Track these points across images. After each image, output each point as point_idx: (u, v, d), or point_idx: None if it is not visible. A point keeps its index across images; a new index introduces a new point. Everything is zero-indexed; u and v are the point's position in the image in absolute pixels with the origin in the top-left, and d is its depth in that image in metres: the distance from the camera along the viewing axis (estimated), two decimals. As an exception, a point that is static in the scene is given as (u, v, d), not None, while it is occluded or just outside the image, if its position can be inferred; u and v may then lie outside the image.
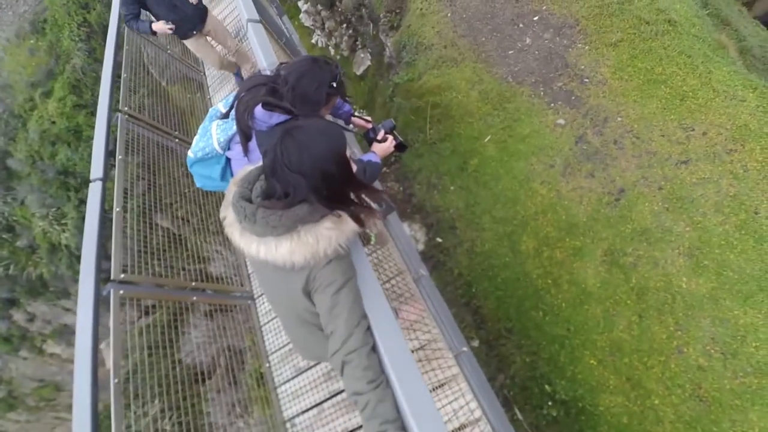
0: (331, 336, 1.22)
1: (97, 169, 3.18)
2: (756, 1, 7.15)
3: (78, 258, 10.39)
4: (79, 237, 10.03)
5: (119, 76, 4.22)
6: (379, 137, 2.07)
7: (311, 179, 1.16)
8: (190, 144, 1.93)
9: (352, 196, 1.28)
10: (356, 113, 2.40)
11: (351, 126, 2.35)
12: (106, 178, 3.16)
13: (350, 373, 1.16)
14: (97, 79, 10.78)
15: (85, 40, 10.61)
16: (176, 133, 4.12)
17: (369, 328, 1.23)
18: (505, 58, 5.08)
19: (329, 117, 2.88)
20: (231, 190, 1.28)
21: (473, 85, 5.10)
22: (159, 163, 3.70)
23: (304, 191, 1.16)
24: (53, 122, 10.87)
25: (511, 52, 5.10)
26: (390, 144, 2.05)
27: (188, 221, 3.88)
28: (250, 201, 1.22)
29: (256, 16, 3.14)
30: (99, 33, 10.46)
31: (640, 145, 3.92)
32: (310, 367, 3.27)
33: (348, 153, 1.26)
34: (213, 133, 1.80)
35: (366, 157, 1.91)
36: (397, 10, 6.41)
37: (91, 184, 3.08)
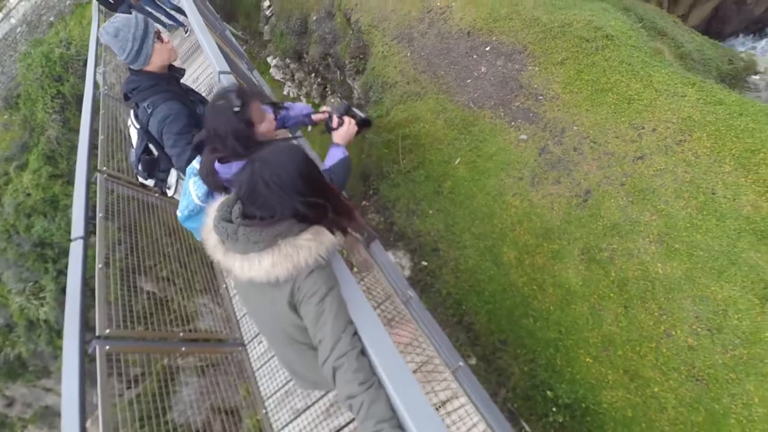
0: (319, 345, 1.25)
1: (78, 228, 3.20)
2: (690, 12, 7.87)
3: (58, 332, 10.04)
4: (58, 310, 9.76)
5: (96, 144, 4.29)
6: (334, 125, 2.01)
7: (286, 199, 1.24)
8: (172, 198, 2.02)
9: (330, 208, 1.33)
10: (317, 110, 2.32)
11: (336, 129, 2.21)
12: (87, 237, 3.17)
13: (342, 377, 1.19)
14: (73, 149, 10.90)
15: (59, 111, 10.84)
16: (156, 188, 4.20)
17: (356, 333, 1.27)
18: (464, 87, 5.42)
19: (288, 133, 2.91)
20: (211, 215, 1.34)
21: (438, 114, 5.39)
22: (141, 222, 3.72)
23: (280, 211, 1.24)
24: (28, 194, 10.90)
25: (469, 80, 5.45)
26: (350, 125, 1.99)
27: (173, 282, 3.85)
28: (231, 222, 1.28)
29: (227, 68, 3.35)
30: (73, 103, 10.72)
31: (598, 149, 4.17)
32: (308, 407, 3.18)
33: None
34: (191, 191, 1.92)
35: (328, 161, 1.91)
36: (361, 56, 6.83)
37: (72, 243, 3.08)
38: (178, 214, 2.00)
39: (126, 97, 2.29)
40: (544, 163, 4.41)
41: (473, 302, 4.33)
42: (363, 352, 1.24)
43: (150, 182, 2.65)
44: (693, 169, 3.53)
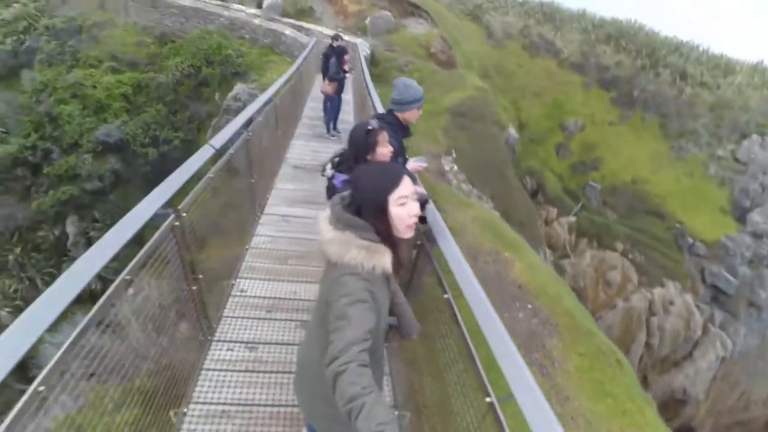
0: (330, 345, 1.29)
1: (219, 140, 3.55)
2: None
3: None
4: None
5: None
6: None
7: (362, 205, 1.48)
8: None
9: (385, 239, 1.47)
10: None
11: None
12: (219, 152, 3.46)
13: (344, 380, 1.19)
14: (159, 99, 12.65)
15: (185, 75, 12.34)
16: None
17: (365, 350, 1.27)
18: (500, 317, 6.40)
19: None
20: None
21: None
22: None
23: (356, 210, 1.48)
24: (95, 87, 11.79)
25: (506, 314, 6.45)
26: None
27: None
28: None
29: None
30: (195, 80, 12.33)
31: (590, 431, 4.74)
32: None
33: (407, 191, 1.47)
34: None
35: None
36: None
37: (206, 145, 3.36)
38: None
39: (378, 117, 2.99)
40: (542, 409, 4.92)
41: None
42: (366, 365, 1.25)
43: (329, 173, 3.28)
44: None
